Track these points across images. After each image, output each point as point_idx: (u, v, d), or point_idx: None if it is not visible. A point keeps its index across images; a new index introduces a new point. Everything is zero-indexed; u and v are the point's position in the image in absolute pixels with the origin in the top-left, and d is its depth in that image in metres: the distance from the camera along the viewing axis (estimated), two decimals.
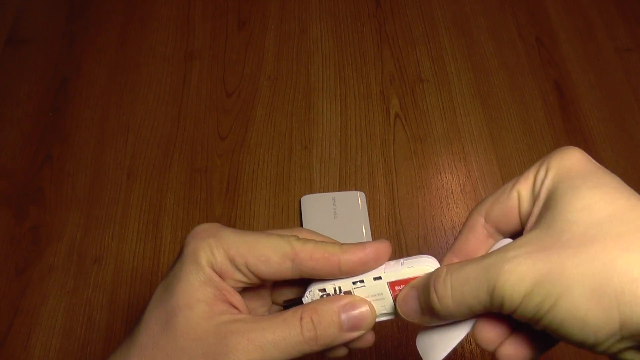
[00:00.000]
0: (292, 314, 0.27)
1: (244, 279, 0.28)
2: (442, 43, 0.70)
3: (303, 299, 0.29)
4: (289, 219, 0.57)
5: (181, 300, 0.27)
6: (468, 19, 0.72)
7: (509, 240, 0.27)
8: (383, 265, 0.28)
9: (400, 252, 0.55)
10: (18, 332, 0.51)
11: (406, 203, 0.58)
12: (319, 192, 0.58)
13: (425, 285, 0.26)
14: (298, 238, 0.28)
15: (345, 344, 0.28)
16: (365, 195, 0.58)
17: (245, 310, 0.29)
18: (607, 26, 0.72)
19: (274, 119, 0.64)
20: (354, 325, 0.28)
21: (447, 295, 0.24)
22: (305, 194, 0.58)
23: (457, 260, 0.28)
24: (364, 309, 0.28)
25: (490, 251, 0.26)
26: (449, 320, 0.26)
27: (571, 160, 0.24)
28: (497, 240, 0.28)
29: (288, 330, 0.26)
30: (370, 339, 0.29)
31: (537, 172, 0.25)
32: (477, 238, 0.28)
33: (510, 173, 0.60)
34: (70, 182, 0.60)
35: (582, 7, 0.74)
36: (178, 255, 0.29)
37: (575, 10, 0.73)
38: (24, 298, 0.53)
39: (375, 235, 0.56)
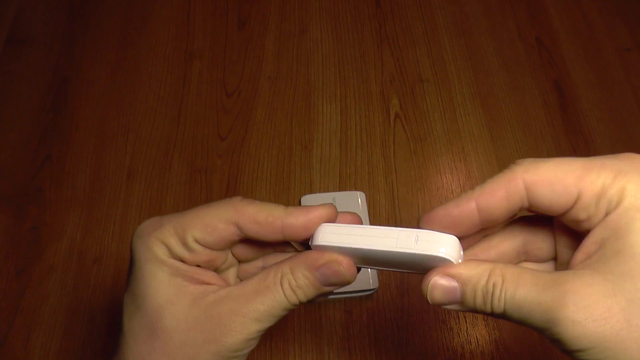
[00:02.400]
0: (273, 280, 0.27)
1: (200, 257, 0.28)
2: (442, 43, 0.70)
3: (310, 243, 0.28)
4: None
5: (159, 299, 0.27)
6: (468, 19, 0.72)
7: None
8: (395, 234, 0.26)
9: None
10: (18, 332, 0.51)
11: (406, 203, 0.58)
12: (319, 192, 0.58)
13: (477, 288, 0.24)
14: (242, 198, 0.28)
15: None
16: (365, 195, 0.58)
17: (222, 281, 0.29)
18: (607, 26, 0.72)
19: (274, 119, 0.64)
20: (331, 283, 0.28)
21: (498, 310, 0.23)
22: (305, 194, 0.58)
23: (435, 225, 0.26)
24: (339, 268, 0.27)
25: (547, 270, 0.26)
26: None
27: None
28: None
29: (274, 297, 0.27)
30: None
31: (603, 191, 0.22)
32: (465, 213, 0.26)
33: None
34: (70, 182, 0.60)
35: (582, 7, 0.74)
36: (130, 261, 0.28)
37: (575, 10, 0.73)
38: (24, 298, 0.53)
39: None
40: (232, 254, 0.31)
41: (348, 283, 0.28)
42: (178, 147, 0.62)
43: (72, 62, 0.68)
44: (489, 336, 0.51)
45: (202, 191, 0.59)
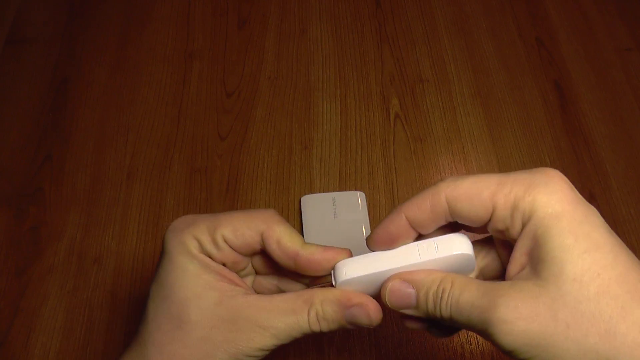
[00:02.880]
0: (302, 306, 0.29)
1: (227, 257, 0.29)
2: (442, 43, 0.70)
3: (333, 281, 0.30)
4: (289, 219, 0.57)
5: (187, 291, 0.28)
6: (468, 19, 0.72)
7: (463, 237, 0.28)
8: (415, 247, 0.28)
9: None
10: (18, 332, 0.51)
11: None
12: (319, 192, 0.58)
13: (428, 293, 0.27)
14: (276, 214, 0.30)
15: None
16: (365, 195, 0.58)
17: (244, 284, 0.30)
18: (607, 26, 0.72)
19: (274, 119, 0.64)
20: (357, 322, 0.29)
21: (445, 314, 0.26)
22: (305, 194, 0.58)
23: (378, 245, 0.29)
24: (368, 311, 0.29)
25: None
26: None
27: (559, 203, 0.24)
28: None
29: (298, 321, 0.29)
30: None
31: (516, 204, 0.25)
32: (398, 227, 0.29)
33: None
34: (70, 182, 0.60)
35: (582, 7, 0.74)
36: (161, 254, 0.29)
37: (575, 10, 0.73)
38: (24, 298, 0.53)
39: None
40: (252, 264, 0.33)
41: (372, 326, 0.29)
42: (178, 147, 0.62)
43: (72, 62, 0.68)
44: None
45: (202, 191, 0.59)
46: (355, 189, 0.59)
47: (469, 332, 0.51)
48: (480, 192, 0.26)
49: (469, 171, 0.61)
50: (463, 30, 0.71)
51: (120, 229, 0.57)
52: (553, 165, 0.61)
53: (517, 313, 0.23)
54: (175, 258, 0.28)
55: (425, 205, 0.27)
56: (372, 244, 0.29)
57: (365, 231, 0.55)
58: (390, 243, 0.28)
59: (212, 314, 0.27)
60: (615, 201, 0.59)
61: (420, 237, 0.29)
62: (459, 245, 0.27)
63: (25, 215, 0.57)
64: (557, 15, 0.73)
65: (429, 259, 0.27)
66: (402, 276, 0.28)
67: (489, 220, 0.26)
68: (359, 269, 0.29)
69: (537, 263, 0.24)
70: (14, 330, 0.51)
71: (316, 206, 0.54)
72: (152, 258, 0.55)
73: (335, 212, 0.55)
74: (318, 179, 0.60)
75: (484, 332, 0.25)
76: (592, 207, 0.25)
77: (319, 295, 0.29)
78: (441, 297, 0.26)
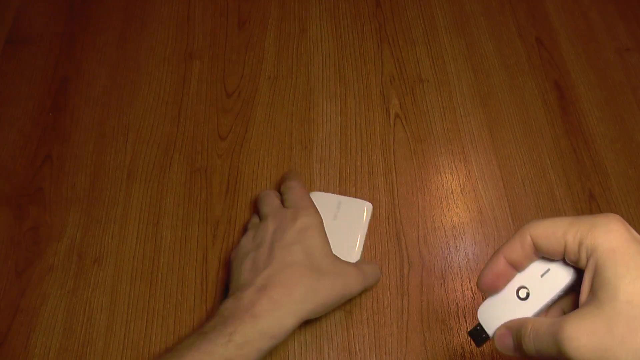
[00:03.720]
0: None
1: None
2: (442, 43, 0.70)
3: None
4: None
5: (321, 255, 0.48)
6: (468, 19, 0.72)
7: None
8: (523, 278, 0.35)
9: (400, 252, 0.55)
10: (18, 332, 0.51)
11: (406, 203, 0.58)
12: (319, 192, 0.58)
13: (517, 335, 0.33)
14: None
15: None
16: (373, 208, 0.57)
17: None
18: (607, 26, 0.72)
19: (274, 119, 0.64)
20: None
21: (531, 348, 0.32)
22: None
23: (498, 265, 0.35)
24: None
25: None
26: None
27: (615, 240, 0.29)
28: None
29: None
30: None
31: (582, 241, 0.31)
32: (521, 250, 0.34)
33: (510, 173, 0.60)
34: (70, 182, 0.60)
35: (582, 7, 0.74)
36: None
37: (575, 10, 0.73)
38: (24, 298, 0.53)
39: (371, 243, 0.56)
40: None
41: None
42: (178, 147, 0.62)
43: (72, 62, 0.68)
44: None
45: (202, 191, 0.59)
46: (355, 189, 0.59)
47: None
48: (555, 231, 0.32)
49: (469, 171, 0.61)
50: (463, 30, 0.71)
51: (120, 229, 0.57)
52: (553, 165, 0.61)
53: (580, 330, 0.28)
54: None
55: (517, 245, 0.33)
56: (482, 286, 0.35)
57: (359, 243, 0.54)
58: (497, 282, 0.35)
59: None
60: (615, 201, 0.59)
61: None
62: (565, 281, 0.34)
63: (25, 215, 0.57)
64: (557, 15, 0.73)
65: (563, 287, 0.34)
66: (505, 324, 0.35)
67: (564, 253, 0.32)
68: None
69: (597, 289, 0.29)
70: (14, 330, 0.51)
71: (319, 203, 0.53)
72: (151, 258, 0.55)
73: (336, 214, 0.55)
74: (318, 179, 0.60)
75: (558, 353, 0.29)
76: None
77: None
78: (523, 335, 0.32)
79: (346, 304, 0.51)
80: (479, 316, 0.36)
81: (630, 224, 0.30)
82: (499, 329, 0.35)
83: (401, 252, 0.55)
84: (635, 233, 0.31)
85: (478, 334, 0.36)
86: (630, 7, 0.73)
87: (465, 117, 0.64)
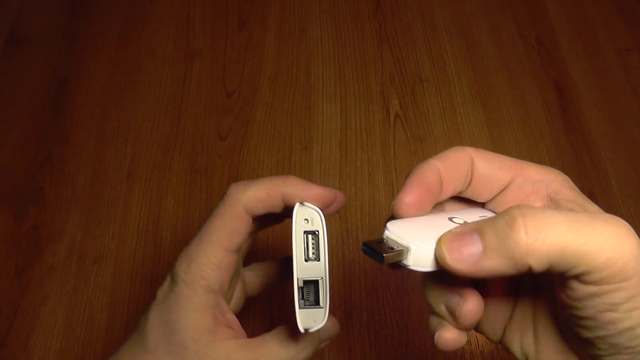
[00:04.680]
0: (287, 339, 0.31)
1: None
2: (442, 43, 0.70)
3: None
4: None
5: (188, 333, 0.29)
6: (468, 19, 0.72)
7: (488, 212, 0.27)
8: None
9: None
10: (18, 332, 0.51)
11: None
12: None
13: (504, 226, 0.21)
14: (234, 188, 0.33)
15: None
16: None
17: (239, 328, 0.32)
18: (607, 26, 0.72)
19: (274, 119, 0.64)
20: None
21: (538, 242, 0.20)
22: None
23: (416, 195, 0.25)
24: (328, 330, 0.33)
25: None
26: (494, 275, 0.21)
27: (622, 254, 0.20)
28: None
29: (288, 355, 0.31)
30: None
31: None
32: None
33: None
34: (70, 182, 0.60)
35: (582, 7, 0.74)
36: (175, 281, 0.31)
37: (575, 10, 0.73)
38: (24, 298, 0.53)
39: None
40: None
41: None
42: (178, 147, 0.62)
43: (72, 62, 0.68)
44: None
45: (202, 191, 0.59)
46: (355, 189, 0.59)
47: (469, 332, 0.51)
48: (495, 173, 0.26)
49: None
50: (463, 30, 0.71)
51: (120, 229, 0.57)
52: (553, 165, 0.61)
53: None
54: (190, 294, 0.30)
55: (455, 159, 0.25)
56: (402, 205, 0.25)
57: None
58: (424, 201, 0.25)
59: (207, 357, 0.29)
60: (615, 201, 0.59)
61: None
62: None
63: (25, 215, 0.57)
64: (557, 15, 0.73)
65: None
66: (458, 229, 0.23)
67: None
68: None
69: None
70: (14, 330, 0.51)
71: None
72: (151, 258, 0.55)
73: None
74: (318, 179, 0.60)
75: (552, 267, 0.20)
76: None
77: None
78: (528, 223, 0.20)
79: (346, 303, 0.51)
80: (388, 230, 0.25)
81: (630, 224, 0.22)
82: (445, 237, 0.22)
83: None
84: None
85: (380, 248, 0.24)
86: (630, 7, 0.73)
87: (465, 117, 0.64)
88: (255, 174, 0.60)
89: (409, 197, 0.25)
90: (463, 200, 0.28)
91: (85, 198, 0.58)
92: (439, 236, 0.23)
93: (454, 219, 0.25)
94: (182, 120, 0.64)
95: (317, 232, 0.28)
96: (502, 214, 0.21)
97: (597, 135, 0.63)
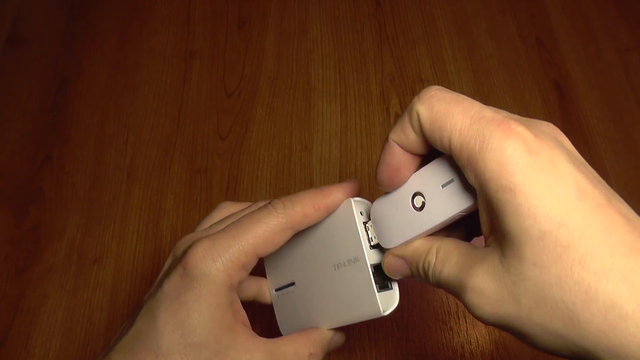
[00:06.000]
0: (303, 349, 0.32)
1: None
2: (442, 43, 0.70)
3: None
4: None
5: (211, 333, 0.29)
6: (468, 19, 0.72)
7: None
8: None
9: None
10: (18, 332, 0.51)
11: None
12: None
13: (417, 267, 0.28)
14: (280, 203, 0.31)
15: None
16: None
17: (249, 324, 0.32)
18: (607, 26, 0.72)
19: (274, 119, 0.64)
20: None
21: (436, 284, 0.27)
22: None
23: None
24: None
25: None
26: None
27: (519, 174, 0.22)
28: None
29: None
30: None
31: (469, 159, 0.23)
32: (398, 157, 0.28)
33: None
34: (70, 182, 0.60)
35: (582, 7, 0.74)
36: (188, 276, 0.29)
37: (575, 10, 0.73)
38: (24, 298, 0.53)
39: None
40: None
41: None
42: (178, 147, 0.62)
43: (72, 62, 0.68)
44: (489, 336, 0.51)
45: (202, 191, 0.59)
46: None
47: (469, 332, 0.51)
48: (446, 122, 0.25)
49: None
50: (463, 30, 0.71)
51: (120, 229, 0.57)
52: None
53: (484, 298, 0.24)
54: (202, 289, 0.29)
55: (407, 125, 0.26)
56: (379, 182, 0.30)
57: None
58: (394, 177, 0.29)
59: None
60: None
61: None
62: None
63: (25, 215, 0.57)
64: (557, 15, 0.73)
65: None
66: (392, 252, 0.30)
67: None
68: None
69: (499, 236, 0.23)
70: (14, 330, 0.51)
71: None
72: (151, 258, 0.55)
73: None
74: (318, 179, 0.60)
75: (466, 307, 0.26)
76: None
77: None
78: (427, 271, 0.28)
79: None
80: (371, 214, 0.32)
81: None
82: (387, 257, 0.30)
83: None
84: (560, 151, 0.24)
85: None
86: (630, 7, 0.73)
87: None
88: (255, 174, 0.60)
89: (380, 179, 0.30)
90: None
91: (85, 198, 0.58)
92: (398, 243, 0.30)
93: (415, 200, 0.29)
94: (182, 120, 0.64)
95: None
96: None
97: (597, 135, 0.63)
